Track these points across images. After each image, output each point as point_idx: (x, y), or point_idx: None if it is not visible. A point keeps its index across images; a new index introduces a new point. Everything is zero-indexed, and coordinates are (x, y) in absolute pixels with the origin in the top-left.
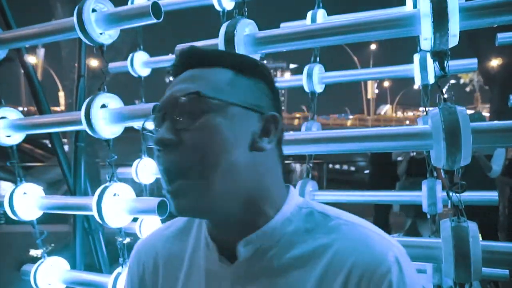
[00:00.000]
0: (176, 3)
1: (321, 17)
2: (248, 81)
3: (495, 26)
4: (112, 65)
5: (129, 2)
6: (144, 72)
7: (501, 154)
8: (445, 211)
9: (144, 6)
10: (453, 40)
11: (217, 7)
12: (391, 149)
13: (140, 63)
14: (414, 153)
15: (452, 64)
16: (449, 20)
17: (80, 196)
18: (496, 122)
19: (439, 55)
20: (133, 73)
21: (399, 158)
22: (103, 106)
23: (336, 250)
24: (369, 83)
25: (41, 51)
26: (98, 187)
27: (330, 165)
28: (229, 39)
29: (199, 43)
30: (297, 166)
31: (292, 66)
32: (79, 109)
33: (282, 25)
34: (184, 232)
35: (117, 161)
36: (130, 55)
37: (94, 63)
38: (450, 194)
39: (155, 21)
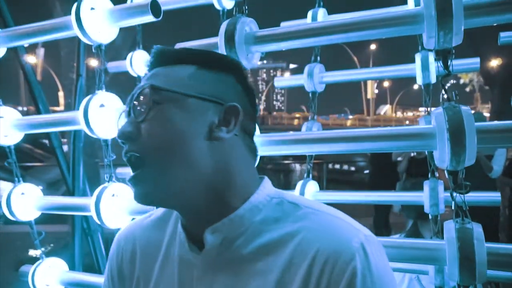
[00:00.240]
0: (176, 2)
1: (322, 16)
2: (212, 75)
3: (495, 26)
4: (111, 64)
5: (128, 0)
6: (144, 71)
7: (502, 154)
8: (447, 212)
9: (143, 5)
10: (457, 38)
11: (217, 6)
12: (393, 149)
13: (140, 63)
14: (415, 153)
15: (455, 63)
16: (454, 18)
17: (78, 197)
18: (501, 122)
19: (443, 54)
20: (132, 73)
21: (399, 158)
22: (102, 105)
23: (302, 237)
24: (369, 83)
25: (41, 51)
26: (98, 187)
27: (330, 165)
28: (229, 37)
29: (198, 42)
30: (297, 166)
31: (292, 66)
32: (78, 109)
33: (282, 24)
34: (163, 221)
35: (115, 161)
36: (130, 54)
37: (94, 63)
38: (454, 195)
39: (154, 19)
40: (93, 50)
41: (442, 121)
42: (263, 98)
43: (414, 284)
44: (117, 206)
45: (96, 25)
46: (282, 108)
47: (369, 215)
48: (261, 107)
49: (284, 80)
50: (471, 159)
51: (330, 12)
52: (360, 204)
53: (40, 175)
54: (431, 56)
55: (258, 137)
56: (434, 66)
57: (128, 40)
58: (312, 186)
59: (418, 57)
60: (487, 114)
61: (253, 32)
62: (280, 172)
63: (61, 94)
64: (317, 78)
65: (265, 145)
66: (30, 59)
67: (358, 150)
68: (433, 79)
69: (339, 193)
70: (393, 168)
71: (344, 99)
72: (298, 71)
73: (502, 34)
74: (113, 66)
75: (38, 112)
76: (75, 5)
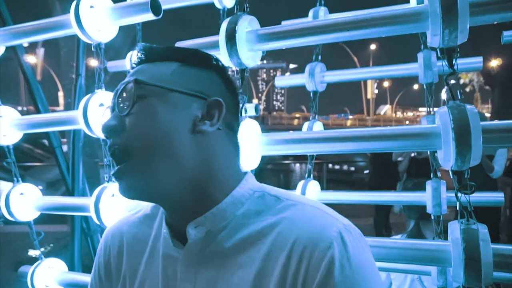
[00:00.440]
0: (176, 1)
1: (323, 15)
2: (195, 71)
3: (495, 26)
4: (111, 63)
5: None
6: None
7: (503, 155)
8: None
9: (143, 2)
10: (462, 36)
11: (218, 5)
12: (398, 149)
13: None
14: (415, 153)
15: (457, 62)
16: (459, 15)
17: (77, 197)
18: (506, 121)
19: (448, 52)
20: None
21: (399, 159)
22: (102, 105)
23: (281, 228)
24: (369, 83)
25: (41, 51)
26: (97, 187)
27: (330, 165)
28: (230, 35)
29: (199, 40)
30: (297, 166)
31: (292, 66)
32: (77, 108)
33: (283, 23)
34: (150, 218)
35: None
36: (129, 53)
37: (93, 63)
38: (459, 195)
39: (154, 17)
40: (93, 49)
41: (447, 120)
42: (263, 98)
43: (416, 285)
44: (116, 206)
45: (96, 23)
46: (282, 108)
47: (369, 215)
48: (261, 107)
49: (285, 79)
50: (477, 159)
51: (331, 11)
52: (362, 204)
53: (39, 175)
54: (434, 55)
55: (260, 136)
56: (436, 65)
57: (128, 39)
58: (314, 186)
59: (420, 56)
60: (487, 114)
61: (255, 30)
62: (280, 172)
63: (61, 94)
64: (318, 77)
65: (267, 144)
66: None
67: (362, 149)
68: (435, 78)
69: (341, 193)
70: (393, 169)
71: (344, 99)
72: (298, 71)
73: (505, 33)
74: (113, 65)
75: (37, 112)
76: (74, 3)
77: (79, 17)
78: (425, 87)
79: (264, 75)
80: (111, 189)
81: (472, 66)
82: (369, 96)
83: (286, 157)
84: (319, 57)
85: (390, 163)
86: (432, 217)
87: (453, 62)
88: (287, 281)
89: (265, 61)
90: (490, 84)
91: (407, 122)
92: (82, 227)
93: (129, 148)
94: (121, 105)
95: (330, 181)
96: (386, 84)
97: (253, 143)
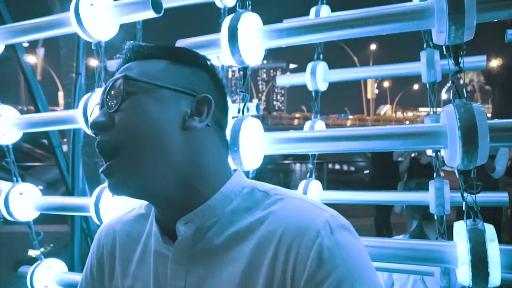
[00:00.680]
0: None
1: (325, 14)
2: (184, 69)
3: (496, 26)
4: (111, 63)
5: None
6: None
7: (505, 155)
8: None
9: (144, 0)
10: (469, 33)
11: (219, 4)
12: (402, 147)
13: None
14: (415, 154)
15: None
16: (466, 12)
17: (77, 197)
18: None
19: (454, 50)
20: None
21: (400, 159)
22: None
23: (269, 222)
24: (369, 83)
25: (41, 51)
26: (97, 187)
27: (330, 165)
28: (233, 33)
29: (200, 38)
30: (297, 166)
31: (292, 66)
32: (77, 107)
33: (284, 21)
34: (143, 216)
35: None
36: None
37: (93, 62)
38: (465, 195)
39: (155, 15)
40: (93, 47)
41: (453, 118)
42: (263, 98)
43: (418, 286)
44: (116, 206)
45: (96, 21)
46: (282, 108)
47: (369, 215)
48: (261, 107)
49: (286, 78)
50: (484, 158)
51: (333, 10)
52: (363, 204)
53: (39, 175)
54: (437, 54)
55: (263, 135)
56: (439, 64)
57: (128, 38)
58: (316, 186)
59: (423, 55)
60: (488, 115)
61: (257, 27)
62: (280, 172)
63: (61, 94)
64: (320, 76)
65: (271, 143)
66: (30, 59)
67: (367, 148)
68: (438, 77)
69: (344, 193)
70: (394, 169)
71: (344, 99)
72: (298, 71)
73: (509, 31)
74: (113, 64)
75: (37, 111)
76: (74, 0)
77: (79, 14)
78: (428, 86)
79: (264, 75)
80: None
81: (476, 65)
82: (369, 96)
83: (286, 157)
84: (321, 56)
85: (390, 163)
86: (436, 217)
87: (459, 60)
88: (275, 273)
89: (265, 61)
90: (490, 84)
91: (407, 122)
92: (82, 227)
93: (117, 144)
94: (109, 102)
95: (330, 181)
96: (386, 84)
97: (256, 142)
